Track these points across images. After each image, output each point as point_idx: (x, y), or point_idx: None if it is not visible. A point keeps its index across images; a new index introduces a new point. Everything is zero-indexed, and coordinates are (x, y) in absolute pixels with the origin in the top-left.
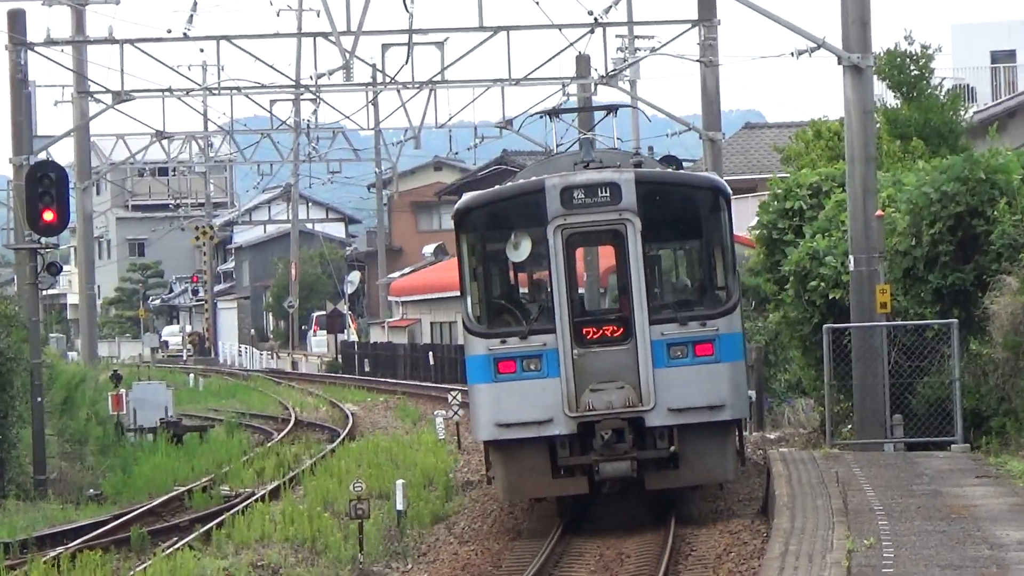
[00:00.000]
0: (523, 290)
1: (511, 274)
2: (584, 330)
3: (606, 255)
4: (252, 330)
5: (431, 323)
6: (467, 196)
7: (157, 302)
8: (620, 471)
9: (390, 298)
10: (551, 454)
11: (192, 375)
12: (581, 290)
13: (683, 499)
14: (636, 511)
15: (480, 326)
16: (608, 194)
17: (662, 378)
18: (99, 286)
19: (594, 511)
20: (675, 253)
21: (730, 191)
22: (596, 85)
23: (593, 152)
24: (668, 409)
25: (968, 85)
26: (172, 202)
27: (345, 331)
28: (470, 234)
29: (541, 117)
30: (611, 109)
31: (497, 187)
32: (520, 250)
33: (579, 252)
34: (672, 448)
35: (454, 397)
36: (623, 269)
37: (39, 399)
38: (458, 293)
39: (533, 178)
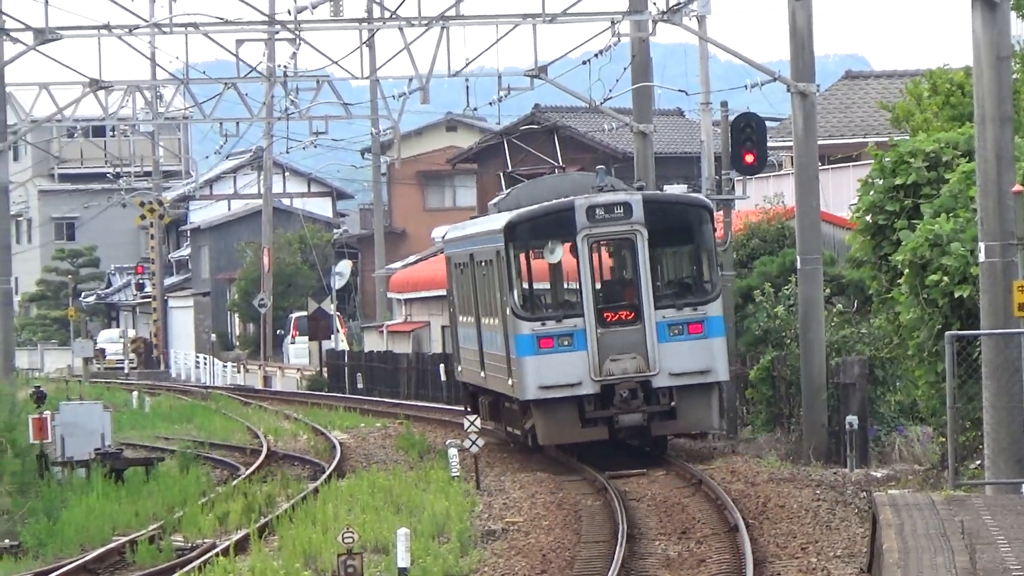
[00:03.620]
0: (557, 286)
1: (547, 272)
2: (605, 314)
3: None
4: (213, 335)
5: (443, 327)
6: (513, 214)
7: (91, 299)
8: (634, 421)
9: (390, 295)
10: (580, 409)
11: (136, 393)
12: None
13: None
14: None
15: (526, 313)
16: (622, 211)
17: (664, 350)
18: (17, 278)
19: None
20: (672, 255)
21: (712, 206)
22: (654, 23)
23: (607, 178)
24: (669, 374)
25: None
26: (110, 171)
27: (332, 337)
28: (516, 243)
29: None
30: (553, 130)
31: (534, 206)
32: (555, 254)
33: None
34: (672, 404)
35: (471, 423)
36: (634, 268)
37: None
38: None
39: (564, 199)
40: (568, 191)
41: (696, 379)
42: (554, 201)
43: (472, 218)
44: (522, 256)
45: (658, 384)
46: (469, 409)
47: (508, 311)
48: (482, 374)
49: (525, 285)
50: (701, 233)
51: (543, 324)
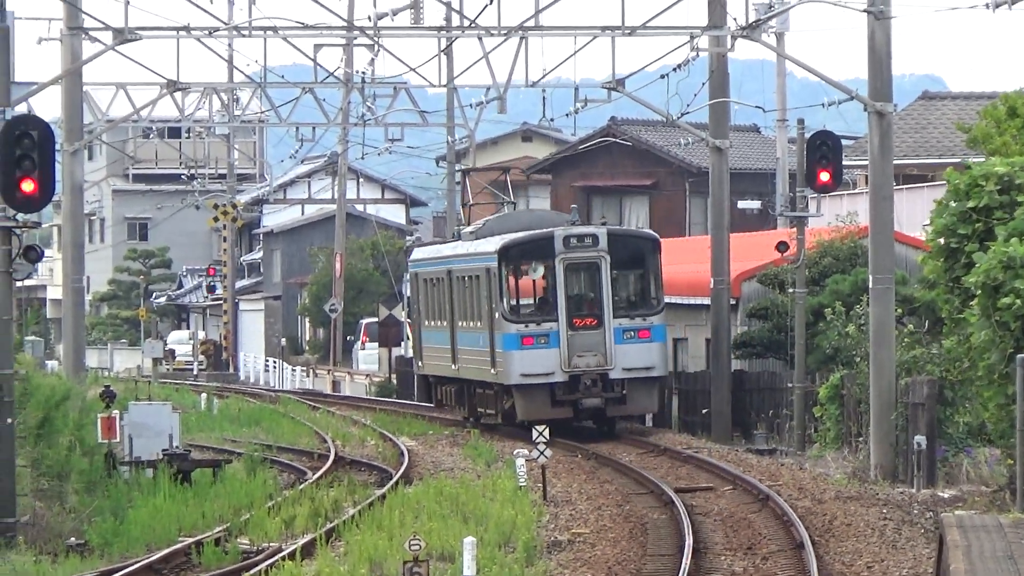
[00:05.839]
0: (537, 297)
1: (530, 286)
2: (575, 320)
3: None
4: (283, 339)
5: None
6: (504, 239)
7: (162, 300)
8: (594, 404)
9: None
10: (551, 394)
11: (204, 395)
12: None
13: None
14: None
15: (513, 316)
16: (591, 241)
17: (619, 350)
18: (89, 277)
19: None
20: (627, 276)
21: (659, 239)
22: (733, 39)
23: (578, 216)
24: (622, 368)
25: None
26: (185, 172)
27: (402, 344)
28: (508, 262)
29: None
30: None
31: (520, 234)
32: (536, 273)
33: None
34: (624, 392)
35: (540, 433)
36: (598, 285)
37: (8, 420)
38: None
39: (544, 230)
40: (535, 223)
41: (643, 373)
42: (536, 231)
43: (443, 242)
44: (510, 272)
45: (614, 376)
46: (427, 399)
47: (497, 315)
48: (453, 367)
49: (511, 297)
50: (651, 260)
51: (526, 326)
